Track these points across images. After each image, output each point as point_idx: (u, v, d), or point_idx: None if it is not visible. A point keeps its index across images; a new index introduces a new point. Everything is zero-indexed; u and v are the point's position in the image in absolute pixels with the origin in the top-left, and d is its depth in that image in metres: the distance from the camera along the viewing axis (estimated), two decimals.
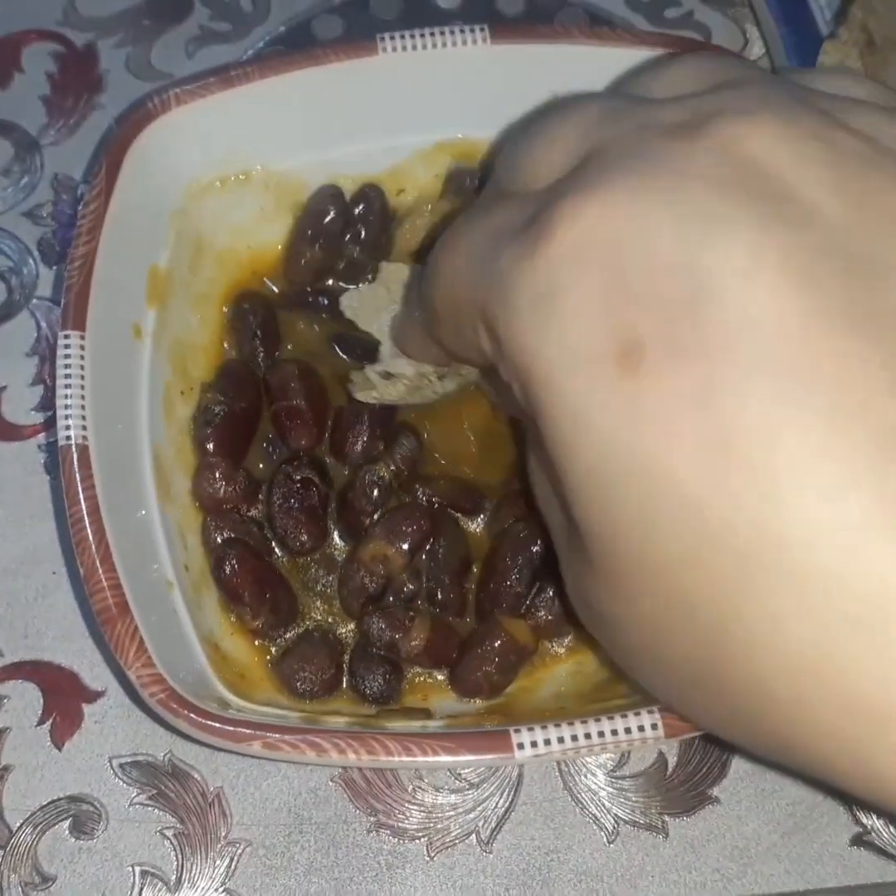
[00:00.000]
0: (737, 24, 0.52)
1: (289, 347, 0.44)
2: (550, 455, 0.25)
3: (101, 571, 0.34)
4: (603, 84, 0.44)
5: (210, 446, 0.40)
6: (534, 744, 0.32)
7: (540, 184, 0.27)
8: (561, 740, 0.32)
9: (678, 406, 0.22)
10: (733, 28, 0.52)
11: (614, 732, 0.32)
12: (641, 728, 0.32)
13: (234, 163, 0.44)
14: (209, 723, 0.32)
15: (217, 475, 0.40)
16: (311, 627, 0.40)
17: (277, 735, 0.32)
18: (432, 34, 0.43)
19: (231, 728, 0.32)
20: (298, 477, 0.40)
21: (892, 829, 0.39)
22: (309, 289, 0.45)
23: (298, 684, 0.38)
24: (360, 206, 0.45)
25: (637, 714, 0.32)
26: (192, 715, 0.32)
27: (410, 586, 0.39)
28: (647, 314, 0.22)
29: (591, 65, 0.43)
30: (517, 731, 0.32)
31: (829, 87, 0.27)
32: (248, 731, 0.32)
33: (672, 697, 0.28)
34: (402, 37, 0.43)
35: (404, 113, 0.44)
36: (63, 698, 0.40)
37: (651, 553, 0.23)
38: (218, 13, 0.53)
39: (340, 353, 0.44)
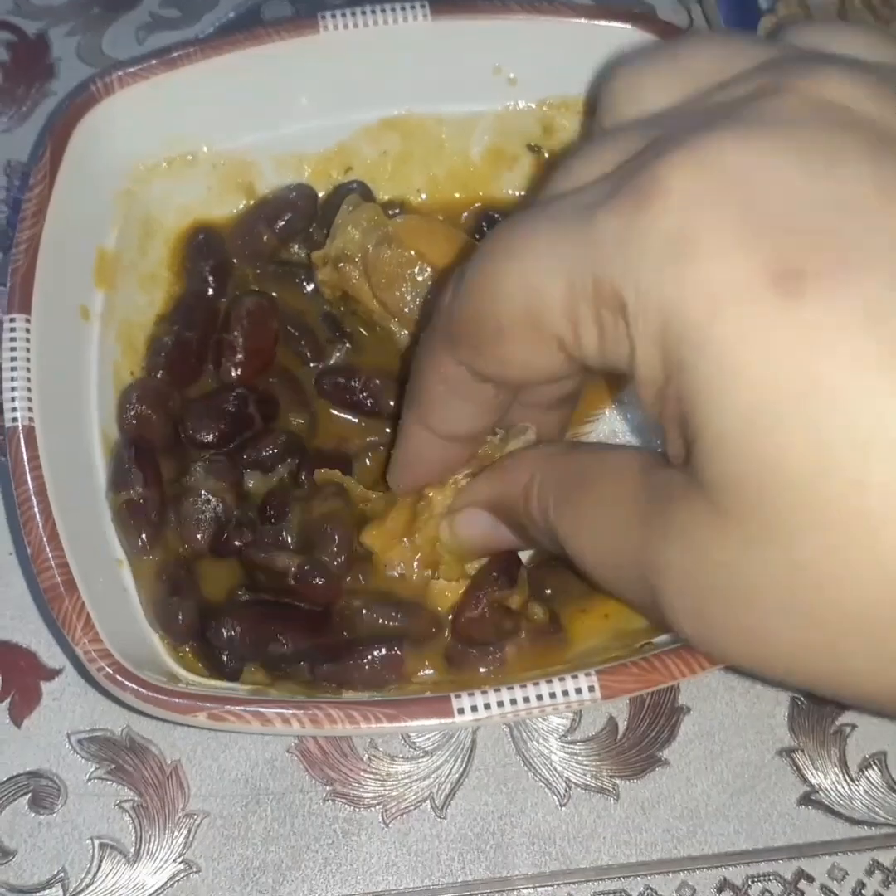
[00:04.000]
0: (681, 2, 0.53)
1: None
2: (691, 412, 0.24)
3: (48, 550, 0.34)
4: (543, 57, 0.44)
5: (159, 374, 0.41)
6: (474, 708, 0.33)
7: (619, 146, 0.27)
8: (500, 704, 0.33)
9: (851, 323, 0.21)
10: (677, 5, 0.53)
11: (552, 695, 0.33)
12: (579, 690, 0.33)
13: (180, 144, 0.44)
14: (155, 695, 0.33)
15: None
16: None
17: (223, 706, 0.33)
18: (373, 11, 0.43)
19: (177, 700, 0.33)
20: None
21: (839, 788, 0.40)
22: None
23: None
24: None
25: (575, 676, 0.33)
26: (138, 688, 0.33)
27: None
28: (797, 241, 0.22)
29: (531, 38, 0.44)
30: (458, 696, 0.33)
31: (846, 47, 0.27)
32: (193, 702, 0.33)
33: (813, 662, 0.25)
34: (343, 15, 0.43)
35: (348, 90, 0.44)
36: (21, 676, 0.41)
37: (824, 482, 0.22)
38: (168, 1, 0.53)
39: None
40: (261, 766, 0.40)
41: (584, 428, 0.44)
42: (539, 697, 0.33)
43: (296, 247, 0.45)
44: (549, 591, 0.39)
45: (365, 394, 0.42)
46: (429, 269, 0.41)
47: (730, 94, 0.26)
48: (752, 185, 0.23)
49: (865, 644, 0.23)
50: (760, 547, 0.23)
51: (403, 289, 0.41)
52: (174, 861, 0.39)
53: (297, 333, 0.43)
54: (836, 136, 0.23)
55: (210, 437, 0.40)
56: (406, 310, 0.41)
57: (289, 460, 0.40)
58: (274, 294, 0.44)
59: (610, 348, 0.26)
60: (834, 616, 0.23)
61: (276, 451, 0.40)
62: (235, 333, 0.41)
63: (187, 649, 0.38)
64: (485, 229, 0.46)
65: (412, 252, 0.41)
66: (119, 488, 0.38)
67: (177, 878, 0.38)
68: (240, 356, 0.41)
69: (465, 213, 0.47)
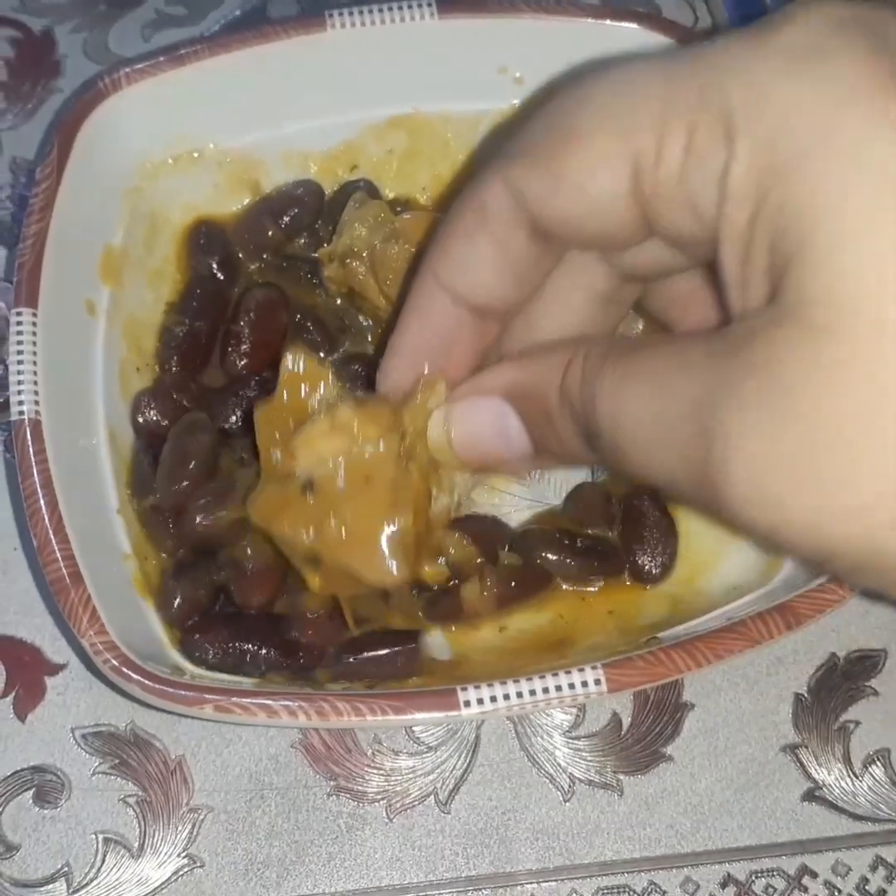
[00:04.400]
0: (686, 0, 0.53)
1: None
2: (798, 218, 0.22)
3: (54, 542, 0.35)
4: (549, 57, 0.44)
5: (171, 367, 0.42)
6: (480, 701, 0.33)
7: None
8: (507, 697, 0.33)
9: None
10: (683, 4, 0.53)
11: (558, 688, 0.33)
12: (585, 684, 0.33)
13: (187, 141, 0.44)
14: (161, 687, 0.33)
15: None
16: None
17: (229, 698, 0.33)
18: (380, 10, 0.43)
19: (183, 692, 0.33)
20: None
21: (842, 784, 0.40)
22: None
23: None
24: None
25: (581, 670, 0.33)
26: (144, 680, 0.33)
27: None
28: None
29: (537, 38, 0.44)
30: (464, 688, 0.33)
31: None
32: (199, 695, 0.33)
33: None
34: (351, 13, 0.43)
35: (355, 89, 0.45)
36: (25, 671, 0.41)
37: None
38: None
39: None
40: (265, 761, 0.40)
41: None
42: (545, 690, 0.33)
43: (302, 241, 0.45)
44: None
45: None
46: None
47: None
48: (874, 22, 0.23)
49: None
50: (862, 370, 0.21)
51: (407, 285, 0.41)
52: (178, 856, 0.38)
53: (309, 324, 0.43)
54: None
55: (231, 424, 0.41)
56: None
57: None
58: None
59: (694, 168, 0.24)
60: None
61: None
62: (242, 324, 0.42)
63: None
64: None
65: (418, 248, 0.41)
66: (143, 494, 0.39)
67: (181, 872, 0.38)
68: (246, 347, 0.42)
69: None
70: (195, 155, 0.44)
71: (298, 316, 0.43)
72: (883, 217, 0.21)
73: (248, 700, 0.33)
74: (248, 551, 0.37)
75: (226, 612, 0.38)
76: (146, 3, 0.53)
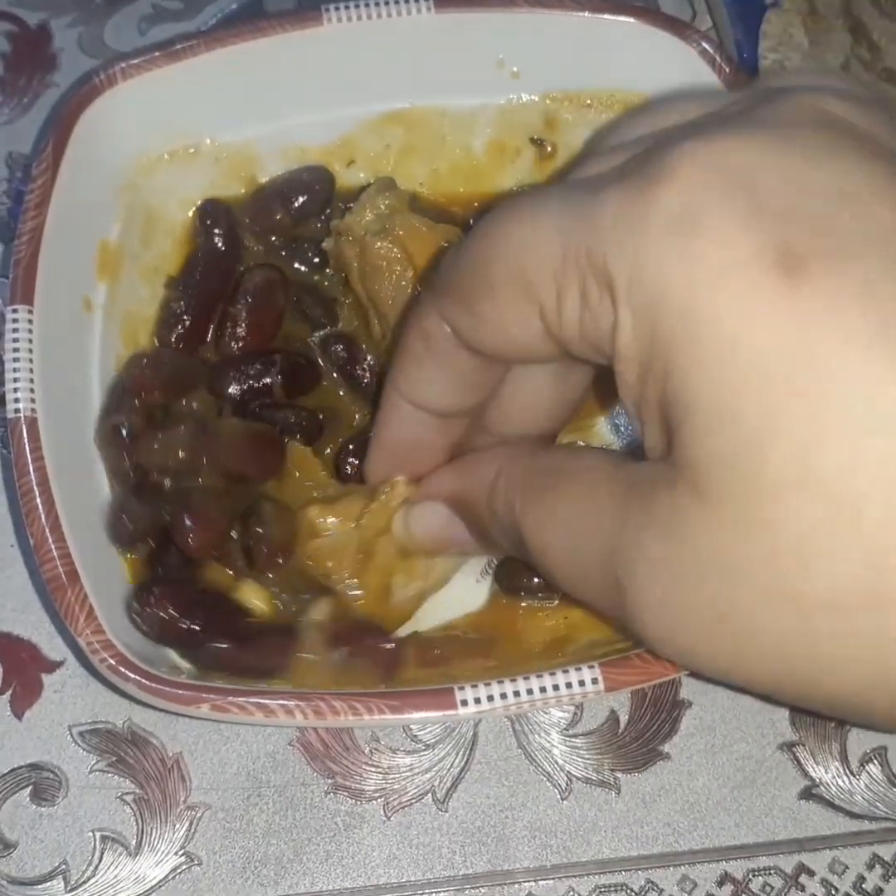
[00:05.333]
0: None
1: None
2: (679, 387, 0.24)
3: (50, 541, 0.34)
4: (547, 50, 0.44)
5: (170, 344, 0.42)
6: (477, 700, 0.33)
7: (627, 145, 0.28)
8: (504, 696, 0.33)
9: (847, 305, 0.22)
10: (682, 1, 0.53)
11: (556, 687, 0.33)
12: (582, 683, 0.33)
13: (183, 136, 0.44)
14: (158, 686, 0.33)
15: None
16: None
17: (225, 697, 0.33)
18: (377, 4, 0.43)
19: (180, 691, 0.33)
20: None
21: (839, 782, 0.40)
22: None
23: None
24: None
25: (578, 669, 0.33)
26: (141, 679, 0.33)
27: None
28: (797, 228, 0.23)
29: (534, 32, 0.44)
30: (461, 688, 0.33)
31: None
32: (196, 694, 0.33)
33: (793, 649, 0.24)
34: (347, 7, 0.43)
35: (352, 83, 0.44)
36: (22, 669, 0.41)
37: (816, 456, 0.22)
38: None
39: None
40: (262, 758, 0.40)
41: (573, 436, 0.44)
42: (542, 689, 0.33)
43: (318, 225, 0.45)
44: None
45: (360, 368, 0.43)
46: (411, 273, 0.41)
47: (730, 109, 0.27)
48: (756, 176, 0.24)
49: (839, 626, 0.23)
50: (746, 528, 0.23)
51: (384, 283, 0.41)
52: (175, 854, 0.38)
53: (308, 302, 0.43)
54: (834, 139, 0.25)
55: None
56: (382, 302, 0.41)
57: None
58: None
59: (590, 323, 0.26)
60: (813, 597, 0.23)
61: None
62: (239, 307, 0.42)
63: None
64: None
65: (401, 252, 0.41)
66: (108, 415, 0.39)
67: (178, 870, 0.38)
68: (241, 331, 0.42)
69: (476, 204, 0.47)
70: (191, 150, 0.44)
71: (299, 295, 0.43)
72: (753, 395, 0.23)
73: (245, 699, 0.33)
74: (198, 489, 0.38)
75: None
76: None
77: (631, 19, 0.43)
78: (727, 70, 0.43)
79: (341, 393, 0.43)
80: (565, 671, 0.33)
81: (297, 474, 0.40)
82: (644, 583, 0.26)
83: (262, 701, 0.33)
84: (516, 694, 0.33)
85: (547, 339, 0.28)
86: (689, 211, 0.24)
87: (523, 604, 0.40)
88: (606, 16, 0.44)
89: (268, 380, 0.41)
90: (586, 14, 0.44)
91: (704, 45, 0.43)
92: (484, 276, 0.29)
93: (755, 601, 0.24)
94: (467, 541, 0.35)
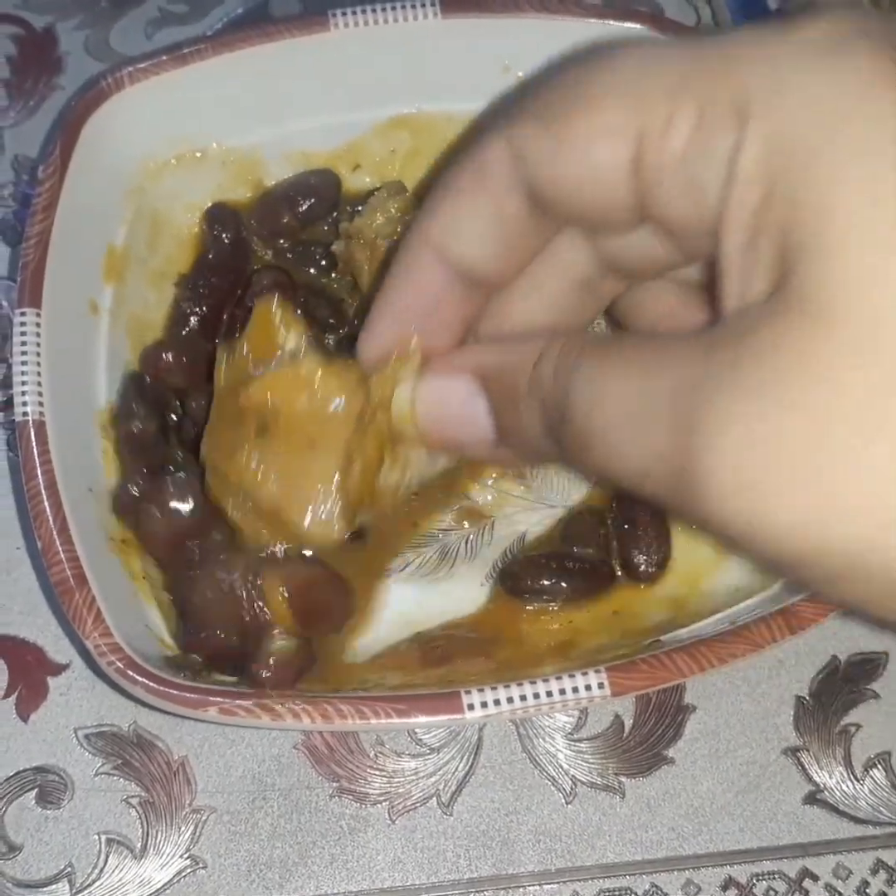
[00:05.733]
0: (689, 1, 0.53)
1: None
2: (810, 211, 0.22)
3: (58, 544, 0.34)
4: (552, 56, 0.44)
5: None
6: (484, 704, 0.33)
7: None
8: (511, 700, 0.33)
9: None
10: (686, 5, 0.53)
11: (562, 692, 0.33)
12: (588, 687, 0.33)
13: (190, 140, 0.44)
14: (166, 689, 0.33)
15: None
16: None
17: (233, 700, 0.33)
18: (384, 9, 0.43)
19: (188, 695, 0.33)
20: None
21: (843, 787, 0.40)
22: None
23: None
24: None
25: (584, 673, 0.33)
26: (148, 682, 0.33)
27: None
28: None
29: (541, 37, 0.44)
30: (468, 692, 0.33)
31: None
32: (204, 697, 0.33)
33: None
34: (354, 12, 0.43)
35: (358, 88, 0.44)
36: (28, 672, 0.41)
37: None
38: None
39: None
40: (267, 762, 0.40)
41: None
42: (549, 694, 0.33)
43: (325, 228, 0.45)
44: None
45: None
46: None
47: None
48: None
49: None
50: (868, 359, 0.21)
51: None
52: (180, 857, 0.39)
53: (318, 304, 0.43)
54: None
55: None
56: None
57: None
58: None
59: (698, 147, 0.24)
60: None
61: None
62: (247, 309, 0.41)
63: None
64: None
65: None
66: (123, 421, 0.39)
67: (183, 873, 0.38)
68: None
69: None
70: (198, 154, 0.44)
71: (308, 297, 0.43)
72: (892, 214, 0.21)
73: (252, 702, 0.33)
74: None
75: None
76: (148, 1, 0.53)
77: (636, 25, 0.43)
78: None
79: None
80: (572, 676, 0.33)
81: (280, 332, 0.35)
82: (726, 418, 0.22)
83: (269, 704, 0.33)
84: (523, 698, 0.33)
85: (629, 179, 0.25)
86: (838, 40, 0.23)
87: (527, 607, 0.40)
88: (612, 22, 0.44)
89: None
90: (592, 20, 0.44)
91: None
92: (582, 93, 0.26)
93: (859, 450, 0.21)
94: (479, 429, 0.30)
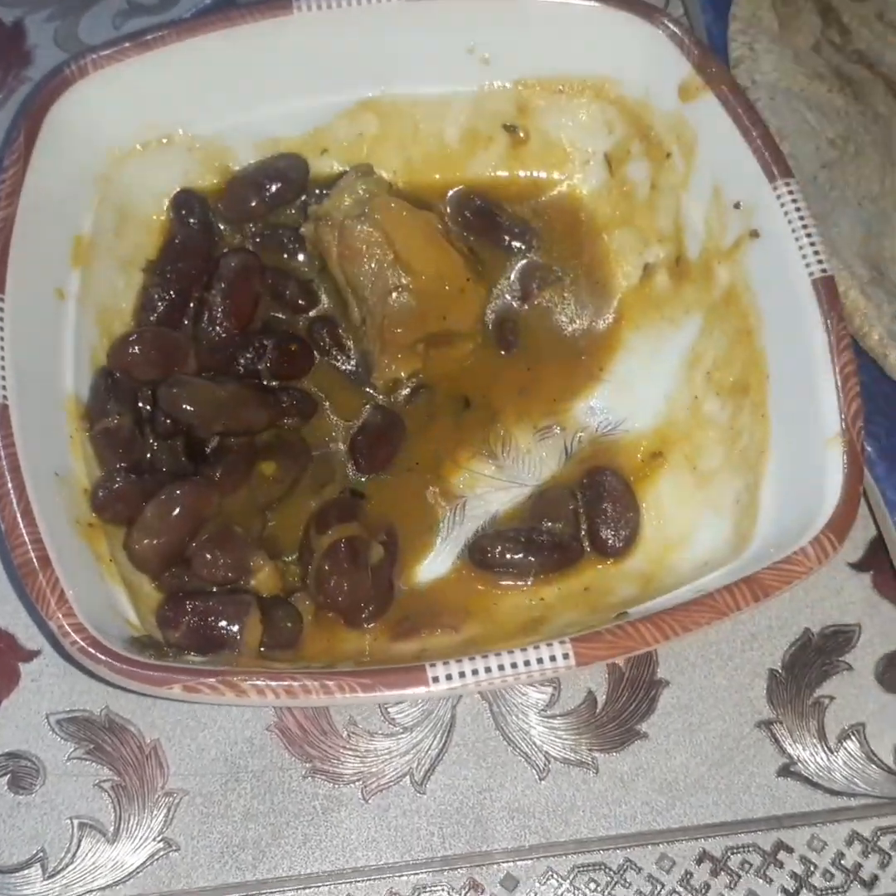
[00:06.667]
0: None
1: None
2: None
3: (22, 526, 0.34)
4: (517, 37, 0.44)
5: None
6: (449, 677, 0.33)
7: None
8: (475, 672, 0.33)
9: None
10: None
11: (527, 663, 0.33)
12: (553, 658, 0.33)
13: (155, 127, 0.44)
14: (129, 667, 0.33)
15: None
16: None
17: (197, 678, 0.33)
18: None
19: (151, 672, 0.33)
20: None
21: (817, 759, 0.40)
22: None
23: None
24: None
25: (549, 644, 0.33)
26: (112, 661, 0.33)
27: None
28: None
29: (504, 19, 0.44)
30: (432, 665, 0.33)
31: None
32: (168, 675, 0.33)
33: None
34: None
35: (323, 72, 0.45)
36: None
37: None
38: None
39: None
40: (240, 744, 0.40)
41: (549, 420, 0.44)
42: (514, 665, 0.33)
43: (292, 212, 0.45)
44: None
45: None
46: (391, 256, 0.41)
47: None
48: None
49: None
50: None
51: (363, 267, 0.41)
52: (154, 840, 0.38)
53: (286, 285, 0.44)
54: None
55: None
56: (361, 287, 0.41)
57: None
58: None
59: None
60: None
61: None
62: (214, 293, 0.42)
63: None
64: (467, 215, 0.46)
65: (381, 236, 0.41)
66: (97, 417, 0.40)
67: (156, 856, 0.38)
68: (219, 315, 0.42)
69: (450, 192, 0.47)
70: (164, 141, 0.44)
71: (277, 279, 0.44)
72: None
73: (216, 680, 0.33)
74: None
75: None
76: None
77: (598, 4, 0.44)
78: (696, 53, 0.43)
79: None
80: (537, 647, 0.33)
81: None
82: None
83: (233, 680, 0.33)
84: (488, 670, 0.33)
85: None
86: None
87: (500, 583, 0.40)
88: (575, 1, 0.44)
89: (261, 365, 0.42)
90: (553, 2, 0.44)
91: (673, 27, 0.43)
92: None
93: None
94: None
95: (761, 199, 0.40)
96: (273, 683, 0.33)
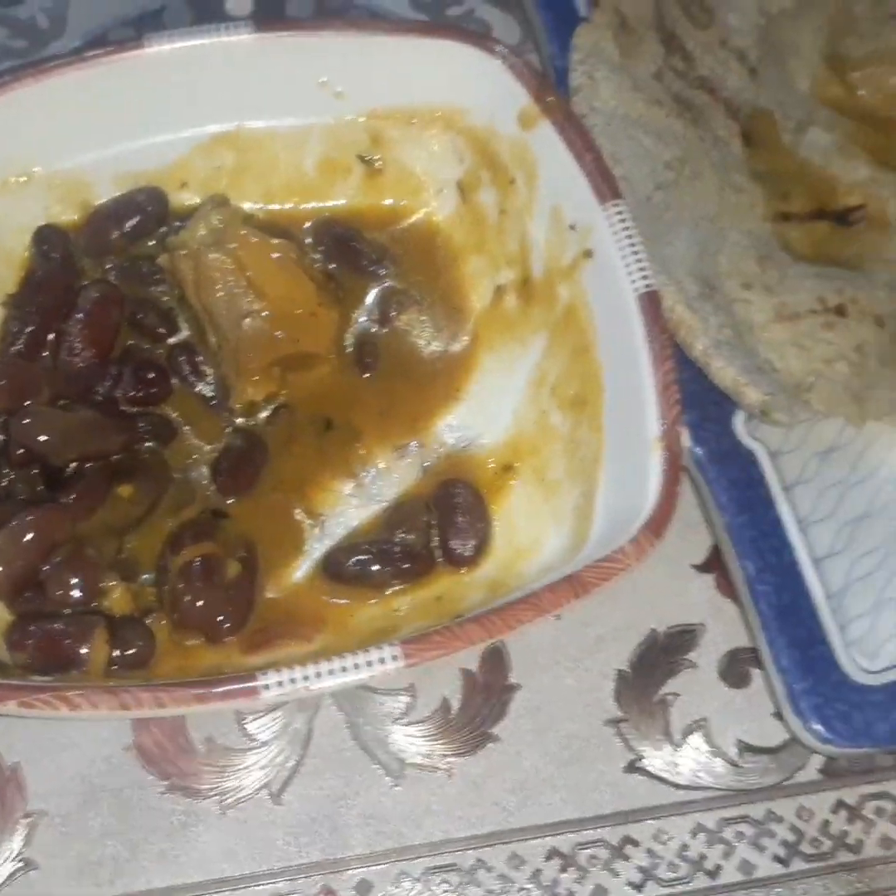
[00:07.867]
0: (515, 18, 0.55)
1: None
2: None
3: None
4: (367, 71, 0.46)
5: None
6: (280, 684, 0.34)
7: None
8: (306, 678, 0.34)
9: None
10: (512, 22, 0.55)
11: (356, 666, 0.34)
12: (383, 660, 0.34)
13: (13, 165, 0.45)
14: None
15: None
16: None
17: (32, 694, 0.33)
18: (198, 30, 0.45)
19: None
20: None
21: (663, 754, 0.41)
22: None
23: None
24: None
25: (379, 647, 0.34)
26: None
27: None
28: None
29: (353, 53, 0.46)
30: (264, 673, 0.34)
31: None
32: (3, 692, 0.34)
33: None
34: (170, 35, 0.45)
35: (178, 107, 0.46)
36: None
37: None
38: (15, 31, 0.54)
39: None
40: (98, 763, 0.40)
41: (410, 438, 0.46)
42: (343, 669, 0.34)
43: (151, 243, 0.47)
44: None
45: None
46: (244, 283, 0.42)
47: None
48: None
49: None
50: None
51: (219, 294, 0.43)
52: (12, 861, 0.39)
53: (146, 314, 0.45)
54: None
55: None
56: (217, 313, 0.43)
57: None
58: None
59: None
60: None
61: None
62: (73, 322, 0.43)
63: None
64: (327, 243, 0.48)
65: (234, 264, 0.43)
66: None
67: (15, 876, 0.39)
68: (78, 346, 0.43)
69: (307, 224, 0.49)
70: (23, 179, 0.46)
71: (137, 309, 0.45)
72: None
73: (49, 695, 0.33)
74: None
75: None
76: None
77: (440, 39, 0.46)
78: (534, 82, 0.45)
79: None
80: (367, 651, 0.34)
81: None
82: None
83: (67, 695, 0.33)
84: (318, 675, 0.34)
85: None
86: None
87: (354, 594, 0.42)
88: (418, 37, 0.46)
89: (119, 392, 0.43)
90: (399, 36, 0.46)
91: (512, 58, 0.45)
92: None
93: None
94: None
95: (594, 220, 0.42)
96: (107, 697, 0.33)
